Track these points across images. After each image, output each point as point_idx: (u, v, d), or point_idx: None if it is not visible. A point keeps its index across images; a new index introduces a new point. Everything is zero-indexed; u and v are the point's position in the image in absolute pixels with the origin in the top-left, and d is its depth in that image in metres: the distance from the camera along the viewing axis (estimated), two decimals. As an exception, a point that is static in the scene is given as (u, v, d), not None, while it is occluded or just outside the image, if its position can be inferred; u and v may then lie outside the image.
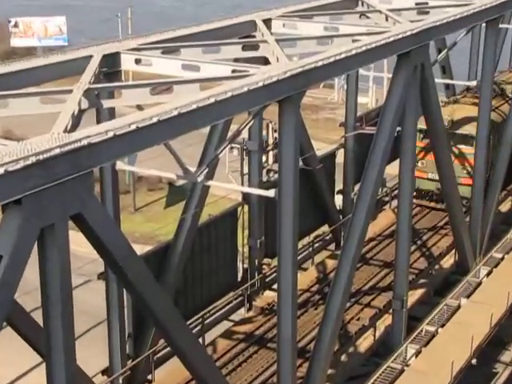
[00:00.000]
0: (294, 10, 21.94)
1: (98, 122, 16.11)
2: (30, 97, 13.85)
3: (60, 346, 11.85)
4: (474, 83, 31.94)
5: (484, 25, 25.83)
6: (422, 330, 23.27)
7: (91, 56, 16.19)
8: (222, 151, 19.32)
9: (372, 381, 20.90)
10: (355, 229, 19.57)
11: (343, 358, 23.25)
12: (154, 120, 12.65)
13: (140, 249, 24.48)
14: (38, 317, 13.52)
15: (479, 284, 26.29)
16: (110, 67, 16.68)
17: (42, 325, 12.10)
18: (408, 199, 22.10)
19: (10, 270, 10.82)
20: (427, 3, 25.00)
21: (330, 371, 20.15)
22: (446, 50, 30.65)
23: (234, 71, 15.81)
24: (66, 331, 11.85)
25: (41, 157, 10.81)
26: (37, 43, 70.86)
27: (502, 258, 27.82)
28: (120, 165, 19.17)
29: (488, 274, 26.84)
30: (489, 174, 29.12)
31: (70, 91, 13.70)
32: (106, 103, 15.08)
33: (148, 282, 13.81)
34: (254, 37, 19.74)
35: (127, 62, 16.91)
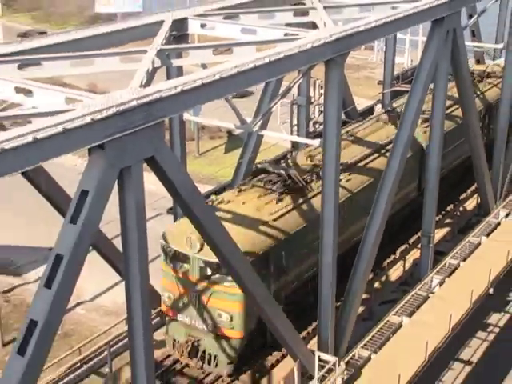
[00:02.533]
0: (339, -20, 21.63)
1: (168, 78, 16.25)
2: (111, 56, 14.03)
3: (136, 267, 12.21)
4: (500, 46, 31.22)
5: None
6: (446, 263, 23.32)
7: (163, 21, 16.31)
8: (274, 105, 19.34)
9: (401, 305, 21.08)
10: (385, 186, 18.87)
11: (376, 285, 23.42)
12: (217, 77, 12.76)
13: (203, 188, 24.72)
14: (117, 243, 13.84)
15: (498, 224, 26.12)
16: (179, 31, 16.76)
17: (121, 250, 12.44)
18: (439, 131, 21.61)
19: (94, 204, 11.13)
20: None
21: (364, 296, 20.26)
22: (476, 16, 29.95)
23: (286, 35, 15.77)
24: (141, 255, 12.21)
25: (120, 108, 11.03)
26: (117, 10, 71.02)
27: (520, 202, 27.56)
28: (186, 115, 19.38)
29: (507, 216, 26.64)
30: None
31: (145, 52, 13.86)
32: (175, 62, 15.20)
33: (210, 217, 14.11)
34: (304, 4, 19.53)
35: (194, 27, 16.98)
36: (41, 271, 11.27)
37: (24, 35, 66.58)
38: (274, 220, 18.90)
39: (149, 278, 12.59)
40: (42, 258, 26.81)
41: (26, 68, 13.34)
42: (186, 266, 18.32)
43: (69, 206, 11.17)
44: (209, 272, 18.06)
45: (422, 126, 24.90)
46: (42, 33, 68.56)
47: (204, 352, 18.64)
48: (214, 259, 15.99)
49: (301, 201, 19.98)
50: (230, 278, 16.71)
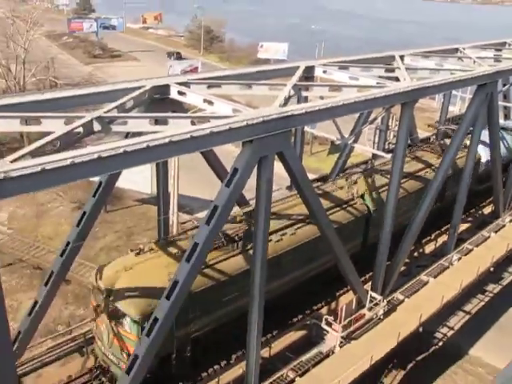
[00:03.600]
0: (418, 51, 20.50)
1: (298, 102, 16.03)
2: (264, 85, 13.93)
3: (262, 222, 12.03)
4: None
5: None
6: (464, 247, 21.98)
7: (298, 67, 15.95)
8: (364, 128, 18.69)
9: (430, 269, 20.16)
10: (430, 191, 17.87)
11: (415, 254, 22.34)
12: (329, 106, 12.44)
13: (311, 176, 24.38)
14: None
15: (504, 225, 24.31)
16: (308, 73, 16.37)
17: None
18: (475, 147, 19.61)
19: (241, 177, 11.15)
20: (501, 55, 22.77)
21: (406, 260, 19.44)
22: (509, 85, 27.62)
23: (378, 83, 15.12)
24: (266, 213, 12.08)
25: (265, 118, 10.95)
26: (271, 57, 71.69)
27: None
28: (306, 128, 19.06)
29: (511, 221, 24.70)
30: None
31: (285, 85, 13.65)
32: (304, 93, 14.88)
33: (313, 194, 13.76)
34: (392, 65, 18.67)
35: (318, 71, 16.54)
36: (204, 213, 11.43)
37: (172, 54, 71.24)
38: None
39: (268, 233, 12.31)
40: (206, 206, 27.44)
41: (211, 88, 13.45)
42: (102, 304, 14.10)
43: (225, 176, 11.24)
44: (118, 314, 13.71)
45: (374, 193, 19.48)
46: (178, 53, 71.80)
47: (112, 376, 14.51)
48: (120, 306, 12.31)
49: (219, 259, 14.67)
50: (128, 325, 13.40)
